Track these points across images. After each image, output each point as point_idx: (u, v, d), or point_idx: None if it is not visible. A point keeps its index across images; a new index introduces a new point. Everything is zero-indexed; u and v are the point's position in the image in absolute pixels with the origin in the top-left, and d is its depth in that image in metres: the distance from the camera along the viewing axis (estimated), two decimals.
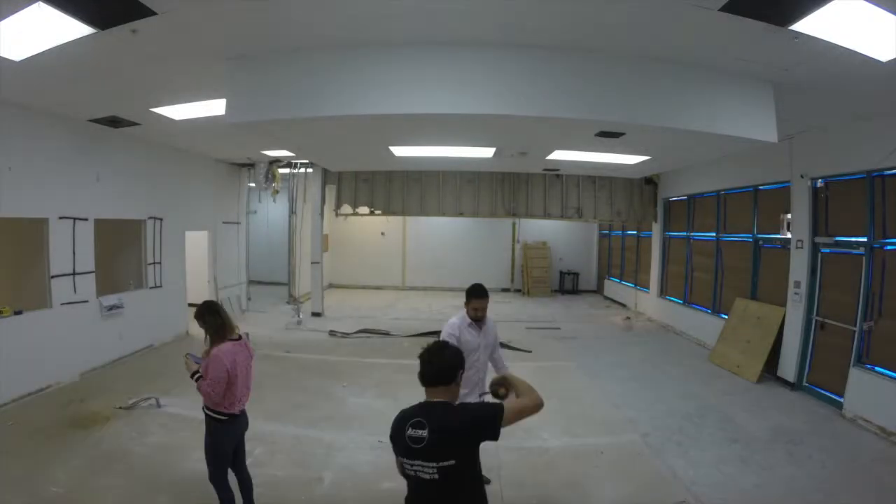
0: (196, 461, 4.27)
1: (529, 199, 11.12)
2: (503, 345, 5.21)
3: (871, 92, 4.61)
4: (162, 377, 6.44)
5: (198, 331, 3.37)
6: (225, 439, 3.29)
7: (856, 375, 5.47)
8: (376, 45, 4.24)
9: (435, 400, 2.07)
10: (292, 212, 12.45)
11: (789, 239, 6.80)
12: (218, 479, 3.33)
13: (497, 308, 12.30)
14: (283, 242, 12.66)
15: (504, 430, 1.99)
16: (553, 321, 11.23)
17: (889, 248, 5.41)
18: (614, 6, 3.47)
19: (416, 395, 2.14)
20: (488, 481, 3.46)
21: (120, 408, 5.30)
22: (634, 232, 12.79)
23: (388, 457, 4.44)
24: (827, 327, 6.21)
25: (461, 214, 11.37)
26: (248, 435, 3.47)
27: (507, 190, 11.05)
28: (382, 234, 15.80)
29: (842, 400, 5.65)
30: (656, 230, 11.25)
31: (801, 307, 6.45)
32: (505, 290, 15.44)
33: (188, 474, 4.10)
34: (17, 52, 3.90)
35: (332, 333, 9.25)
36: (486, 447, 2.05)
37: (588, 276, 15.97)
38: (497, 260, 15.62)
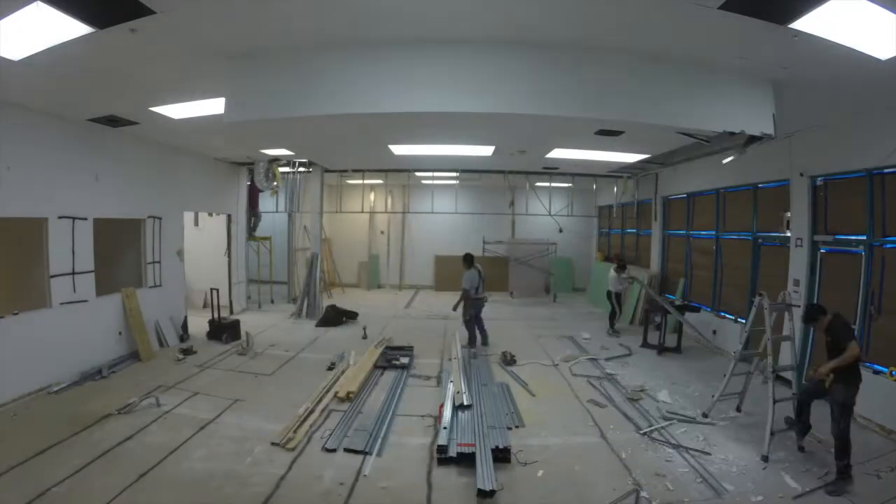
0: (196, 461, 4.31)
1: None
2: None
3: (870, 90, 4.61)
4: (162, 377, 6.45)
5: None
6: None
7: None
8: (375, 44, 4.24)
9: None
10: (292, 210, 12.46)
11: (789, 237, 6.80)
12: None
13: (497, 308, 12.28)
14: (283, 241, 12.66)
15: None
16: (553, 320, 11.24)
17: (888, 246, 5.42)
18: (614, 5, 3.47)
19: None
20: None
21: (120, 408, 5.30)
22: (634, 230, 12.80)
23: (388, 457, 4.49)
24: None
25: None
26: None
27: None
28: (382, 232, 15.79)
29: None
30: (656, 228, 11.25)
31: (801, 305, 6.43)
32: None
33: (188, 474, 4.10)
34: (16, 51, 3.90)
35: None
36: None
37: (588, 275, 15.91)
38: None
